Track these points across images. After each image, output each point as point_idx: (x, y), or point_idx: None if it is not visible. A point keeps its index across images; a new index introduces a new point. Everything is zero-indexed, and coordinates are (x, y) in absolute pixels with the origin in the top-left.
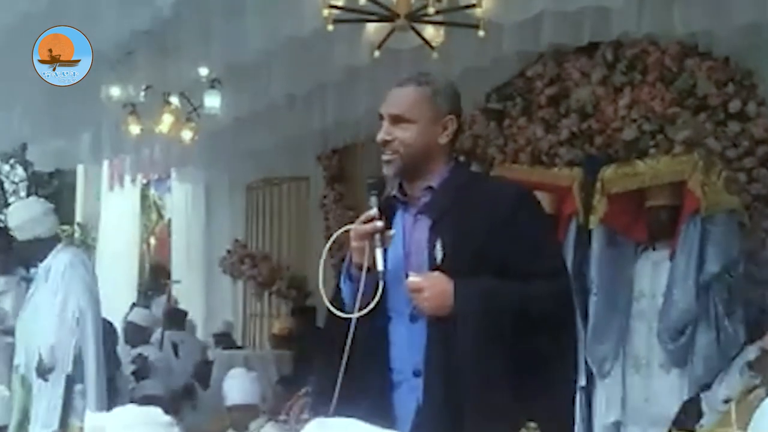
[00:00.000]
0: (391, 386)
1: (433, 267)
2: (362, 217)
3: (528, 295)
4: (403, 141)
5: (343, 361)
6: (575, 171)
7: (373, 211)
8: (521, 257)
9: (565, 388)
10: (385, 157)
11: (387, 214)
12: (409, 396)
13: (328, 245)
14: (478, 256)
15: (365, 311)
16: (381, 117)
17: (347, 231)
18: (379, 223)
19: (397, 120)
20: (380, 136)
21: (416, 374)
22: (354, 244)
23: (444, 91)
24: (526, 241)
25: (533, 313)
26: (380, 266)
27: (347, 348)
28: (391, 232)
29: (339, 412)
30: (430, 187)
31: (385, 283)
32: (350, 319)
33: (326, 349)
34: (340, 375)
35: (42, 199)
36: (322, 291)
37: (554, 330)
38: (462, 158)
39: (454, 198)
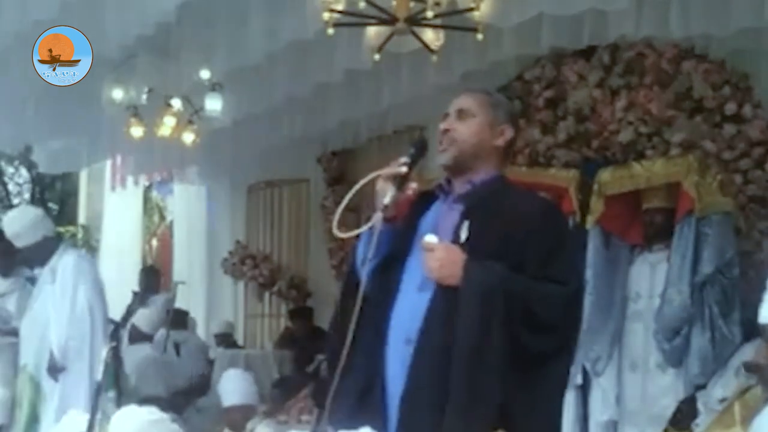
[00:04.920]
0: (386, 351)
1: (454, 244)
2: (393, 163)
3: (535, 292)
4: (461, 132)
5: (357, 304)
6: (572, 173)
7: (403, 159)
8: (536, 262)
9: (552, 391)
10: (441, 147)
11: (425, 204)
12: (399, 363)
13: (358, 186)
14: (494, 253)
15: (370, 222)
16: (446, 115)
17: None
18: (403, 169)
19: (461, 114)
20: (443, 125)
21: (407, 342)
22: (379, 185)
23: (504, 104)
24: (536, 251)
25: (536, 309)
26: (387, 200)
27: (358, 302)
28: (413, 184)
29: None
30: (470, 182)
31: (406, 258)
32: (362, 287)
33: (340, 318)
34: (348, 341)
35: (32, 206)
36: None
37: (545, 332)
38: None
39: (490, 196)
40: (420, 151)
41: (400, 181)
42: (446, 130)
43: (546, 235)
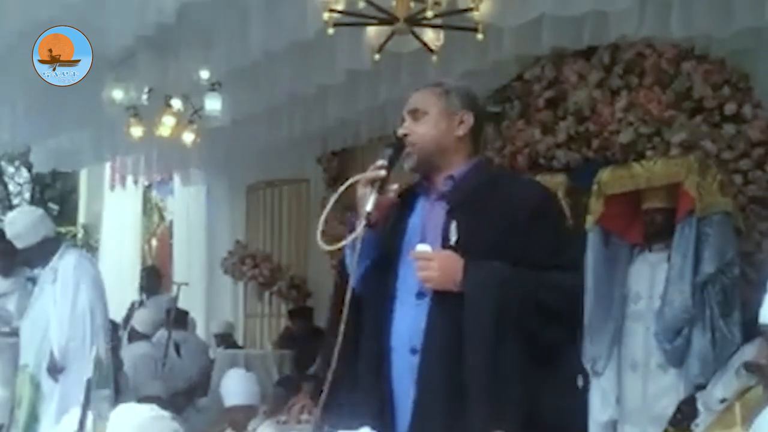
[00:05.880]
0: (389, 362)
1: (446, 248)
2: (371, 167)
3: (539, 284)
4: (418, 132)
5: (344, 316)
6: (561, 177)
7: (381, 162)
8: (535, 254)
9: (570, 380)
10: (405, 153)
11: (408, 202)
12: (406, 373)
13: (338, 193)
14: (491, 247)
15: (354, 235)
16: (403, 120)
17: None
18: (382, 172)
19: (414, 114)
20: (400, 130)
21: (413, 352)
22: (359, 191)
23: (456, 89)
24: (541, 241)
25: (543, 301)
26: (369, 207)
27: (347, 301)
28: (394, 186)
29: (341, 382)
30: (451, 177)
31: (397, 261)
32: (352, 293)
33: (333, 325)
34: (339, 338)
35: (32, 206)
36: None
37: (562, 322)
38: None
39: (474, 189)
40: (397, 151)
41: (380, 184)
42: (404, 135)
43: (549, 223)
